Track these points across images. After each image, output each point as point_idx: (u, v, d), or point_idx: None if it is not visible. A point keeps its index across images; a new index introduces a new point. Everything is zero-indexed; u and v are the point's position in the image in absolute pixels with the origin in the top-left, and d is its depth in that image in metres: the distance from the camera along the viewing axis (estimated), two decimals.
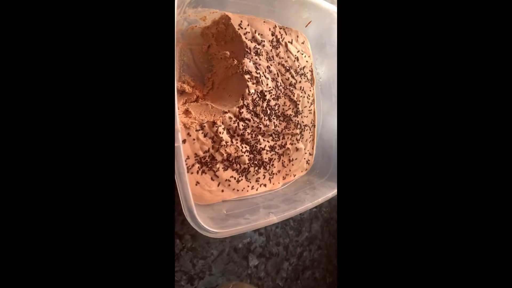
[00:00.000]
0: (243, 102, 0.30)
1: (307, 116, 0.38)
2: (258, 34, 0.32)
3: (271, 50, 0.33)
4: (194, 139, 0.27)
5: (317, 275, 0.44)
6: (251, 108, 0.31)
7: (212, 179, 0.29)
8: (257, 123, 0.32)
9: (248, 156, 0.31)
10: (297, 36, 0.36)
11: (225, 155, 0.29)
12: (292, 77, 0.35)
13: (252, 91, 0.31)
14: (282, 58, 0.34)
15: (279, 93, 0.34)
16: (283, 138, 0.35)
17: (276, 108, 0.34)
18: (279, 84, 0.34)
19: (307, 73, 0.37)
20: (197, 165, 0.28)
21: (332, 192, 0.33)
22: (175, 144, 0.19)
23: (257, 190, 0.33)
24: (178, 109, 0.28)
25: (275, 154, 0.34)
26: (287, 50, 0.35)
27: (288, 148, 0.36)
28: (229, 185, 0.30)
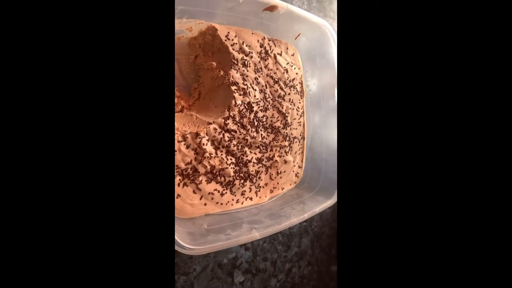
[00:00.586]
0: (229, 113, 0.30)
1: (296, 128, 0.37)
2: (246, 45, 0.32)
3: (259, 62, 0.33)
4: (175, 151, 0.27)
5: None
6: (237, 119, 0.31)
7: (194, 192, 0.28)
8: (244, 134, 0.31)
9: (234, 168, 0.30)
10: (287, 48, 0.36)
11: (208, 167, 0.28)
12: (281, 89, 0.35)
13: (239, 102, 0.31)
14: (271, 70, 0.34)
15: (267, 105, 0.34)
16: (271, 150, 0.34)
17: (264, 119, 0.33)
18: (267, 96, 0.34)
19: (296, 85, 0.37)
20: (178, 177, 0.27)
21: (320, 207, 0.32)
22: None
23: (242, 203, 0.32)
24: None
25: (262, 167, 0.34)
26: (276, 62, 0.34)
27: (276, 160, 0.35)
28: (212, 198, 0.29)
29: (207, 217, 0.29)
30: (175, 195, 0.27)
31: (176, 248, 0.21)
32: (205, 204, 0.29)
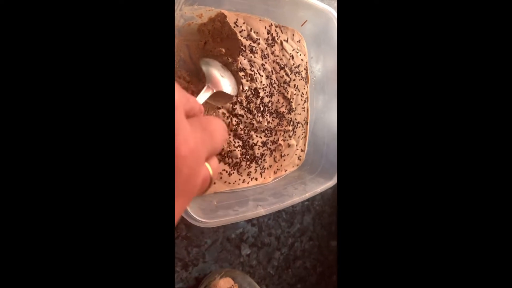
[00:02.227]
0: (237, 99, 0.31)
1: (300, 114, 0.38)
2: (254, 32, 0.32)
3: (266, 48, 0.33)
4: None
5: (308, 265, 0.45)
6: (244, 104, 0.31)
7: None
8: (250, 119, 0.32)
9: (240, 150, 0.32)
10: (293, 35, 0.36)
11: None
12: (287, 75, 0.35)
13: (246, 88, 0.31)
14: (277, 56, 0.34)
15: (273, 91, 0.34)
16: (276, 134, 0.35)
17: (270, 105, 0.34)
18: (273, 82, 0.34)
19: (302, 71, 0.37)
20: None
21: (321, 187, 0.33)
22: None
23: (248, 183, 0.33)
24: None
25: (267, 150, 0.35)
26: (282, 48, 0.35)
27: (280, 144, 0.36)
28: (220, 177, 0.31)
29: (216, 195, 0.30)
30: None
31: (190, 221, 0.23)
32: (214, 183, 0.30)
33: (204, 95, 0.26)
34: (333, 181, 0.34)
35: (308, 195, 0.31)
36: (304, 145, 0.40)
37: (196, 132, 0.14)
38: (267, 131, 0.34)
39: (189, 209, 0.23)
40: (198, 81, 0.32)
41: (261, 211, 0.27)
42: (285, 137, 0.36)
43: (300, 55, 0.37)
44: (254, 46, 0.32)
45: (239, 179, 0.32)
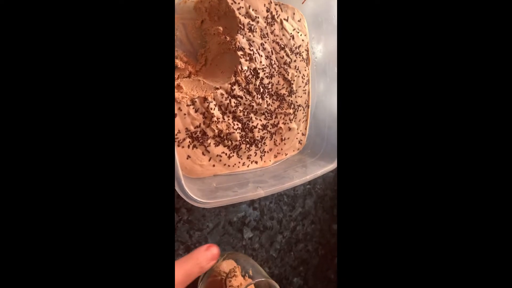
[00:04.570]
0: (235, 79, 0.29)
1: (301, 96, 0.36)
2: (252, 9, 0.30)
3: (266, 27, 0.31)
4: (185, 114, 0.26)
5: (310, 248, 0.44)
6: (243, 85, 0.30)
7: (203, 153, 0.28)
8: (250, 101, 0.30)
9: (240, 133, 0.30)
10: (293, 14, 0.34)
11: (216, 131, 0.28)
12: (287, 55, 0.33)
13: (245, 67, 0.29)
14: (277, 35, 0.32)
15: (273, 72, 0.32)
16: (276, 117, 0.34)
17: (270, 86, 0.32)
18: (273, 62, 0.32)
19: (302, 52, 0.35)
20: (188, 140, 0.27)
21: (322, 170, 0.31)
22: None
23: (248, 166, 0.32)
24: None
25: (267, 133, 0.33)
26: (283, 28, 0.32)
27: (280, 127, 0.34)
28: (220, 160, 0.29)
29: (216, 177, 0.29)
30: (186, 156, 0.27)
31: (189, 201, 0.22)
32: (214, 166, 0.29)
33: None
34: (335, 164, 0.33)
35: (309, 177, 0.30)
36: (305, 128, 0.38)
37: None
38: (267, 113, 0.33)
39: (188, 189, 0.22)
40: (195, 61, 0.30)
41: (261, 192, 0.26)
42: (286, 120, 0.35)
43: (300, 35, 0.34)
44: (253, 25, 0.30)
45: (239, 162, 0.31)
